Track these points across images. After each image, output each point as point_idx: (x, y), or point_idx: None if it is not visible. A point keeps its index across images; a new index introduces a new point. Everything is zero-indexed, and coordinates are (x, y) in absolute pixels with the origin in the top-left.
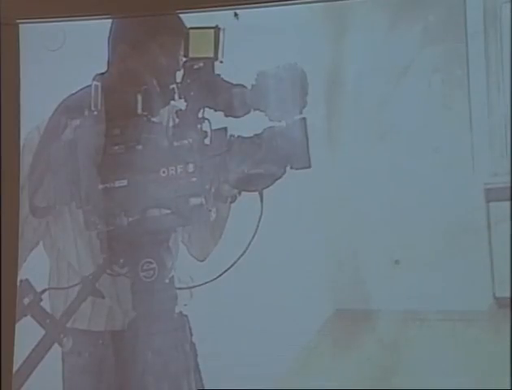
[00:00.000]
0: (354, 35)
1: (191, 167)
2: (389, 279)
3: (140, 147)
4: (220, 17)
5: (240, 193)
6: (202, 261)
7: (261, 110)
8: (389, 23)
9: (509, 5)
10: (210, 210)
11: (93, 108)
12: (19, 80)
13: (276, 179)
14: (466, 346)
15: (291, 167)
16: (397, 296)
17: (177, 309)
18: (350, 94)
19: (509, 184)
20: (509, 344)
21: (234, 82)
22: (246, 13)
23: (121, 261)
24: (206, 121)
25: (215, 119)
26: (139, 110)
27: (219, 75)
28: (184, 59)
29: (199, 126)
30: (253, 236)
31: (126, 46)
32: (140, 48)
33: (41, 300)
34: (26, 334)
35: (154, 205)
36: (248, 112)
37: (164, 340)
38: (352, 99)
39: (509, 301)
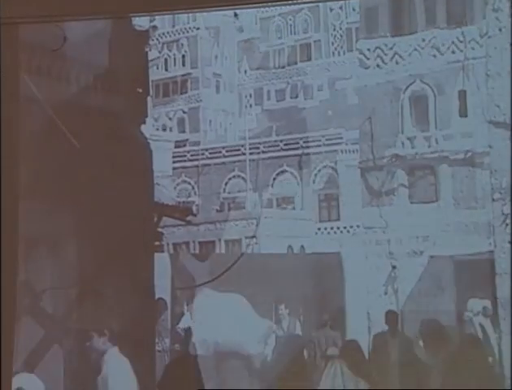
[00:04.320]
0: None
1: (195, 158)
2: (396, 256)
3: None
4: (220, 17)
5: (245, 171)
6: (203, 261)
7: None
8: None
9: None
10: (214, 200)
11: (95, 102)
12: (19, 80)
13: (276, 179)
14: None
15: (296, 144)
16: (403, 272)
17: (178, 308)
18: (357, 69)
19: None
20: (509, 344)
21: (234, 81)
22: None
23: (121, 260)
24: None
25: (220, 109)
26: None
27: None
28: (190, 36)
29: (202, 117)
30: (253, 236)
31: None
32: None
33: (41, 300)
34: (26, 334)
35: (159, 195)
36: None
37: (164, 340)
38: (359, 75)
39: (509, 301)
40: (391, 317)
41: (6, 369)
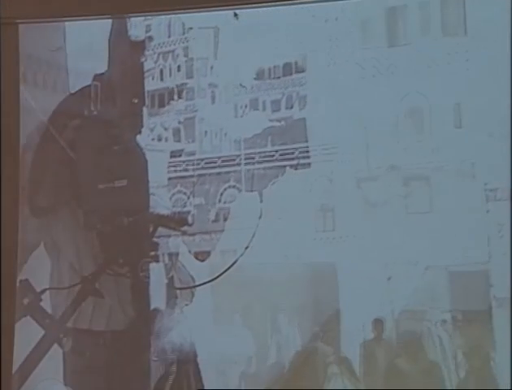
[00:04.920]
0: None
1: (191, 168)
2: (391, 267)
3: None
4: (220, 17)
5: (241, 181)
6: (203, 261)
7: (260, 110)
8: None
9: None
10: (209, 210)
11: (92, 108)
12: (19, 80)
13: (276, 179)
14: (466, 346)
15: (290, 167)
16: (398, 296)
17: (177, 309)
18: (352, 81)
19: None
20: (509, 344)
21: (233, 82)
22: (246, 13)
23: (121, 261)
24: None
25: (215, 119)
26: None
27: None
28: (185, 59)
29: (198, 127)
30: (253, 236)
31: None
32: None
33: (41, 300)
34: (26, 334)
35: (154, 205)
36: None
37: (164, 340)
38: (352, 99)
39: (509, 301)
40: (377, 325)
41: (6, 369)
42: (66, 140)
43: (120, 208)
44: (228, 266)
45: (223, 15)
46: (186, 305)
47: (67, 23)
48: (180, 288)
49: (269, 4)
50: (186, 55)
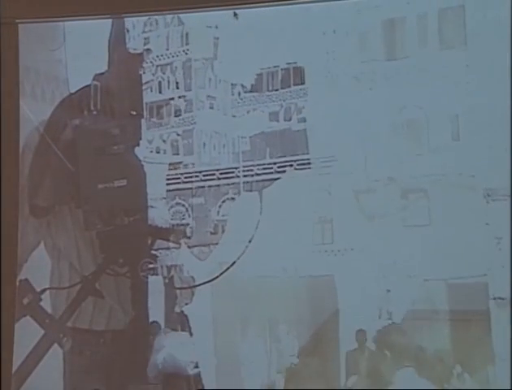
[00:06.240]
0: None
1: (190, 168)
2: (390, 280)
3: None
4: (220, 17)
5: (239, 193)
6: (203, 260)
7: (260, 110)
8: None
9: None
10: (209, 210)
11: (92, 108)
12: (19, 80)
13: (276, 180)
14: (466, 346)
15: (290, 166)
16: (397, 296)
17: (177, 309)
18: (350, 93)
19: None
20: (509, 344)
21: (233, 81)
22: (246, 13)
23: (121, 260)
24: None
25: (215, 119)
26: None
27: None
28: (184, 59)
29: (196, 139)
30: (253, 236)
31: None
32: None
33: (41, 300)
34: (26, 334)
35: (153, 217)
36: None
37: (164, 340)
38: (351, 99)
39: (509, 301)
40: (359, 335)
41: (6, 369)
42: (65, 140)
43: (120, 208)
44: (227, 266)
45: (223, 15)
46: (186, 304)
47: (66, 24)
48: (180, 288)
49: (269, 4)
50: (184, 67)
